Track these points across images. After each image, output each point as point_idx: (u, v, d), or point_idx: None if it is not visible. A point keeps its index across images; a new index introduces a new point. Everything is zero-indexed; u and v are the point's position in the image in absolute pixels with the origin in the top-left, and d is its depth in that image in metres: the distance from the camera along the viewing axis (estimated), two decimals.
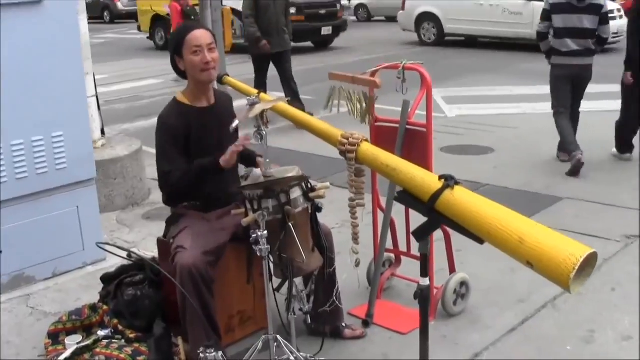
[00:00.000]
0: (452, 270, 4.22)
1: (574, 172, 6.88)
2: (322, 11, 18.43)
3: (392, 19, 24.37)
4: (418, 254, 4.20)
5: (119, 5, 32.46)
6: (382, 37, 21.64)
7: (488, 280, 4.61)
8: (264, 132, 3.11)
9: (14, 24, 4.40)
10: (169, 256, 3.67)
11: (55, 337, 3.92)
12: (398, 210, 4.18)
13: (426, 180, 2.72)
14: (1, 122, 4.43)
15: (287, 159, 7.12)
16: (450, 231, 3.92)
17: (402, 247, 4.46)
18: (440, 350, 3.79)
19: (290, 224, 3.19)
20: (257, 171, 3.53)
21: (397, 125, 4.00)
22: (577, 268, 2.30)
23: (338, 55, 17.96)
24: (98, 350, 3.67)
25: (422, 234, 2.77)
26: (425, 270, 2.86)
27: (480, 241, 2.64)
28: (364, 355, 3.83)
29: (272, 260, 3.32)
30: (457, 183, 2.66)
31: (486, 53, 16.86)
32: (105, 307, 4.02)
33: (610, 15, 7.68)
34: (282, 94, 9.52)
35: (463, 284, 4.21)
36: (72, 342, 3.77)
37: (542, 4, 8.10)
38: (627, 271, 4.73)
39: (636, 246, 5.08)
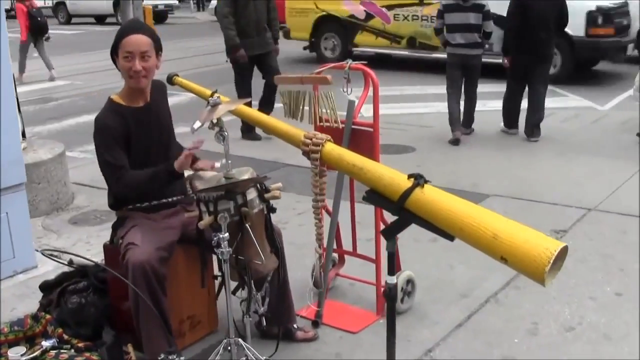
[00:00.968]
0: (398, 268, 4.26)
1: (454, 143, 8.42)
2: None
3: None
4: (363, 253, 4.32)
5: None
6: None
7: (428, 277, 4.66)
8: (226, 134, 3.07)
9: None
10: (116, 262, 3.58)
11: None
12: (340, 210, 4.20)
13: (395, 179, 2.74)
14: None
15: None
16: None
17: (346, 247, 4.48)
18: None
19: (247, 225, 3.17)
20: (208, 173, 3.49)
21: (343, 126, 4.00)
22: (551, 262, 2.36)
23: None
24: None
25: (392, 233, 2.79)
26: (393, 269, 2.89)
27: (450, 238, 2.67)
28: (317, 356, 3.82)
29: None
30: (426, 181, 2.69)
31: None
32: (48, 316, 3.87)
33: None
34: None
35: (409, 281, 4.25)
36: (16, 355, 3.60)
37: None
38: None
39: (565, 241, 5.24)
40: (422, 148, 8.26)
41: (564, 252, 2.43)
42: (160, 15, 30.63)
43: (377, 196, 2.80)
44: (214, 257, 3.52)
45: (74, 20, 32.13)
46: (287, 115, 3.99)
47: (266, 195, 3.23)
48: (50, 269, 4.86)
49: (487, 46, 9.13)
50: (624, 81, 11.94)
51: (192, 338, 3.87)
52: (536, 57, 8.38)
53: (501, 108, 9.03)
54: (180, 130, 4.28)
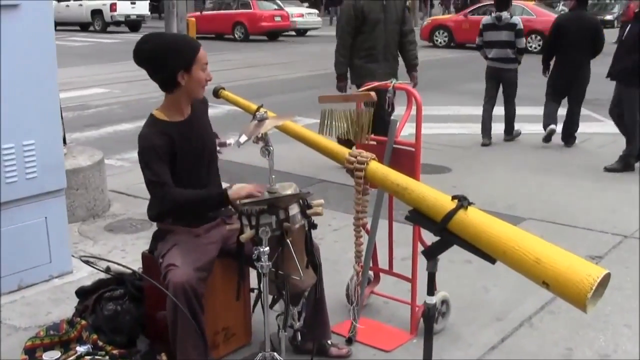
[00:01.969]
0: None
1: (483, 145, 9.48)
2: None
3: None
4: (398, 272, 4.32)
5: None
6: None
7: (462, 298, 4.64)
8: (271, 148, 3.09)
9: None
10: (154, 272, 3.61)
11: (32, 352, 3.79)
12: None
13: (439, 200, 2.74)
14: None
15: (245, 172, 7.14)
16: None
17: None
18: None
19: (288, 241, 3.18)
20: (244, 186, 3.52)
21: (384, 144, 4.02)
22: (594, 288, 2.36)
23: None
24: None
25: (433, 253, 2.79)
26: (432, 289, 2.88)
27: (492, 261, 2.67)
28: None
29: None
30: (470, 203, 2.69)
31: (424, 71, 17.10)
32: (83, 322, 3.91)
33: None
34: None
35: (444, 302, 4.23)
36: (51, 359, 3.67)
37: None
38: None
39: (600, 267, 5.20)
40: (458, 169, 8.24)
41: (606, 279, 2.43)
42: (134, 24, 34.31)
43: (420, 216, 2.81)
44: (251, 271, 3.54)
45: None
46: (322, 133, 4.00)
47: (308, 212, 3.24)
48: (85, 275, 4.91)
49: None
50: None
51: (225, 350, 3.89)
52: (572, 79, 9.22)
53: (539, 131, 9.71)
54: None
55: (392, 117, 3.96)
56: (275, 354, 3.36)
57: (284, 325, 3.37)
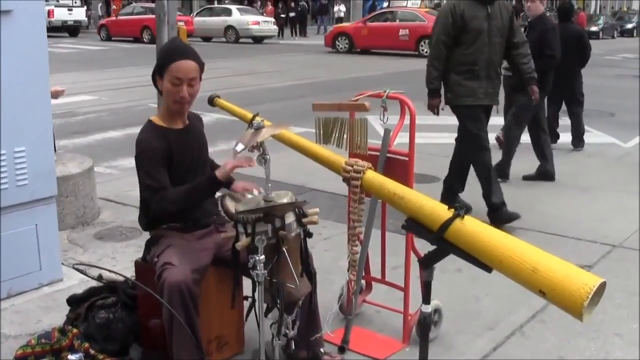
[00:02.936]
0: None
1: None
2: None
3: None
4: (392, 281, 4.32)
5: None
6: None
7: (454, 308, 4.65)
8: (268, 157, 3.09)
9: None
10: (147, 279, 3.60)
11: None
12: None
13: (436, 209, 2.76)
14: None
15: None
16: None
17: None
18: None
19: (284, 249, 3.18)
20: (238, 195, 3.53)
21: (378, 153, 4.03)
22: (590, 297, 2.38)
23: None
24: None
25: (429, 262, 2.80)
26: (428, 298, 2.89)
27: (488, 269, 2.68)
28: None
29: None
30: (466, 212, 2.70)
31: (412, 79, 17.11)
32: (75, 330, 3.89)
33: None
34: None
35: (436, 311, 4.24)
36: None
37: None
38: None
39: None
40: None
41: (602, 287, 2.45)
42: (72, 30, 36.77)
43: (416, 225, 2.82)
44: (244, 279, 3.54)
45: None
46: (318, 141, 4.01)
47: (304, 220, 3.24)
48: (75, 283, 4.89)
49: None
50: None
51: (218, 358, 3.87)
52: (565, 87, 9.46)
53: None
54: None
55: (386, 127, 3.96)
56: None
57: (277, 334, 3.36)
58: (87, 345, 3.78)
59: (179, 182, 3.57)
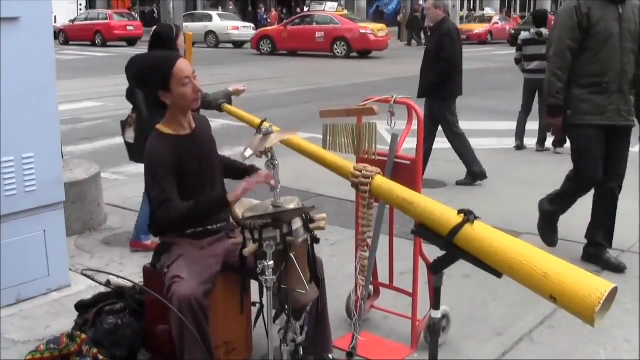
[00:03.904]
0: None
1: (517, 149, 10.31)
2: None
3: None
4: (399, 287, 4.32)
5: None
6: None
7: (462, 313, 4.64)
8: (276, 162, 3.10)
9: None
10: (155, 285, 3.60)
11: None
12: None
13: (445, 214, 2.75)
14: None
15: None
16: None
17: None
18: None
19: (292, 255, 3.18)
20: (252, 201, 3.53)
21: (385, 158, 4.03)
22: (602, 302, 2.37)
23: None
24: None
25: (439, 267, 2.80)
26: (438, 303, 2.89)
27: (498, 275, 2.67)
28: None
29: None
30: (476, 218, 2.70)
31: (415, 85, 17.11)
32: (83, 336, 3.89)
33: None
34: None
35: (444, 316, 4.23)
36: None
37: None
38: None
39: None
40: (453, 183, 8.27)
41: (613, 293, 2.44)
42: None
43: (426, 231, 2.81)
44: (252, 285, 3.54)
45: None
46: (325, 147, 4.00)
47: (311, 226, 3.24)
48: (83, 289, 4.90)
49: None
50: None
51: None
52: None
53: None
54: None
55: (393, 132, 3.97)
56: None
57: (285, 339, 3.36)
58: (95, 350, 3.78)
59: (188, 186, 3.58)
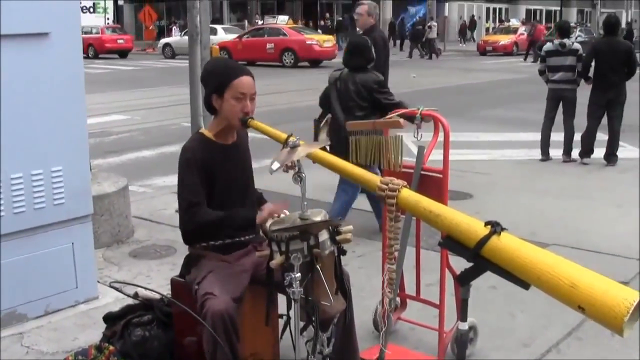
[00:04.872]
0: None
1: (542, 160, 10.23)
2: None
3: None
4: (426, 299, 4.31)
5: None
6: None
7: (489, 325, 4.62)
8: (304, 175, 3.11)
9: (19, 54, 4.34)
10: (183, 297, 3.62)
11: None
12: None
13: (472, 226, 2.75)
14: (1, 155, 4.34)
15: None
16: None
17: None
18: None
19: (318, 267, 3.19)
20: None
21: (411, 171, 4.03)
22: (630, 312, 2.36)
23: None
24: None
25: (467, 279, 2.80)
26: (465, 315, 2.89)
27: (526, 286, 2.67)
28: None
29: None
30: (503, 229, 2.70)
31: (441, 97, 17.13)
32: (111, 348, 3.92)
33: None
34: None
35: (472, 328, 4.22)
36: None
37: None
38: None
39: None
40: (479, 195, 8.24)
41: None
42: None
43: (453, 243, 2.81)
44: (279, 297, 3.55)
45: None
46: (352, 161, 4.00)
47: (337, 238, 3.24)
48: (111, 301, 4.93)
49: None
50: None
51: None
52: (610, 99, 9.83)
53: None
54: None
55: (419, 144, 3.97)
56: None
57: (312, 351, 3.36)
58: None
59: (220, 197, 3.62)
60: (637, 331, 4.38)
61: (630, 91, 10.09)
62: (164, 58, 36.22)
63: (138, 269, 5.74)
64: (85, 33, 37.28)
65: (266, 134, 3.59)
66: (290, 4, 50.35)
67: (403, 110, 4.01)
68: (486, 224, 2.71)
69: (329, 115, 6.07)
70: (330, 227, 3.24)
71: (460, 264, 3.02)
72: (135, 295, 4.19)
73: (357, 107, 6.20)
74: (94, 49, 37.78)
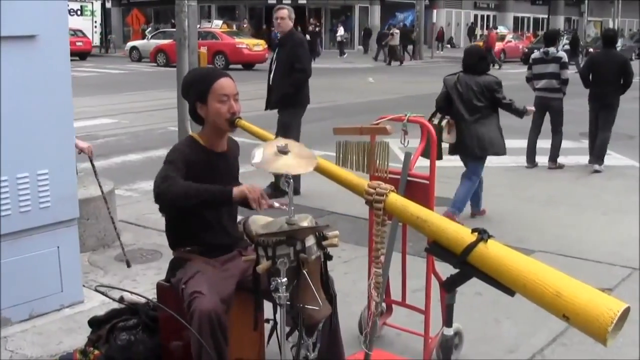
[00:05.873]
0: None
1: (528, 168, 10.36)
2: None
3: None
4: (412, 304, 4.31)
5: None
6: None
7: (474, 331, 4.64)
8: (291, 180, 3.11)
9: (6, 57, 4.31)
10: (169, 301, 3.61)
11: None
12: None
13: (459, 232, 2.76)
14: None
15: None
16: None
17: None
18: None
19: (304, 272, 3.19)
20: (265, 218, 3.54)
21: (398, 177, 4.03)
22: (614, 322, 2.37)
23: None
24: None
25: (452, 285, 2.81)
26: (450, 321, 2.89)
27: (511, 293, 2.68)
28: None
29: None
30: (490, 236, 2.71)
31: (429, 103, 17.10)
32: (96, 352, 3.91)
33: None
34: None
35: (457, 334, 4.23)
36: None
37: None
38: None
39: None
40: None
41: (626, 312, 2.43)
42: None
43: (439, 249, 2.82)
44: (265, 302, 3.54)
45: None
46: (338, 165, 4.00)
47: (324, 243, 3.25)
48: (96, 305, 4.90)
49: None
50: None
51: None
52: (602, 105, 10.15)
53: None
54: None
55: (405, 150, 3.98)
56: None
57: (297, 356, 3.36)
58: None
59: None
60: (620, 339, 4.44)
61: (623, 101, 10.23)
62: (131, 61, 36.26)
63: (124, 273, 5.71)
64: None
65: (253, 134, 3.60)
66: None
67: (390, 116, 4.01)
68: (473, 230, 2.72)
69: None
70: (316, 233, 3.25)
71: (446, 270, 3.03)
72: (121, 300, 4.17)
73: (479, 106, 7.09)
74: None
